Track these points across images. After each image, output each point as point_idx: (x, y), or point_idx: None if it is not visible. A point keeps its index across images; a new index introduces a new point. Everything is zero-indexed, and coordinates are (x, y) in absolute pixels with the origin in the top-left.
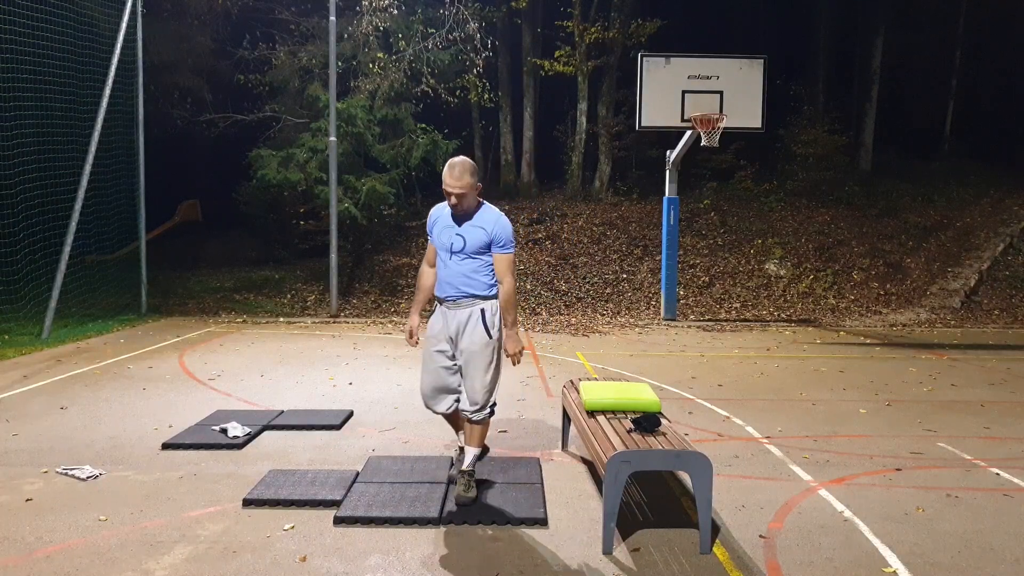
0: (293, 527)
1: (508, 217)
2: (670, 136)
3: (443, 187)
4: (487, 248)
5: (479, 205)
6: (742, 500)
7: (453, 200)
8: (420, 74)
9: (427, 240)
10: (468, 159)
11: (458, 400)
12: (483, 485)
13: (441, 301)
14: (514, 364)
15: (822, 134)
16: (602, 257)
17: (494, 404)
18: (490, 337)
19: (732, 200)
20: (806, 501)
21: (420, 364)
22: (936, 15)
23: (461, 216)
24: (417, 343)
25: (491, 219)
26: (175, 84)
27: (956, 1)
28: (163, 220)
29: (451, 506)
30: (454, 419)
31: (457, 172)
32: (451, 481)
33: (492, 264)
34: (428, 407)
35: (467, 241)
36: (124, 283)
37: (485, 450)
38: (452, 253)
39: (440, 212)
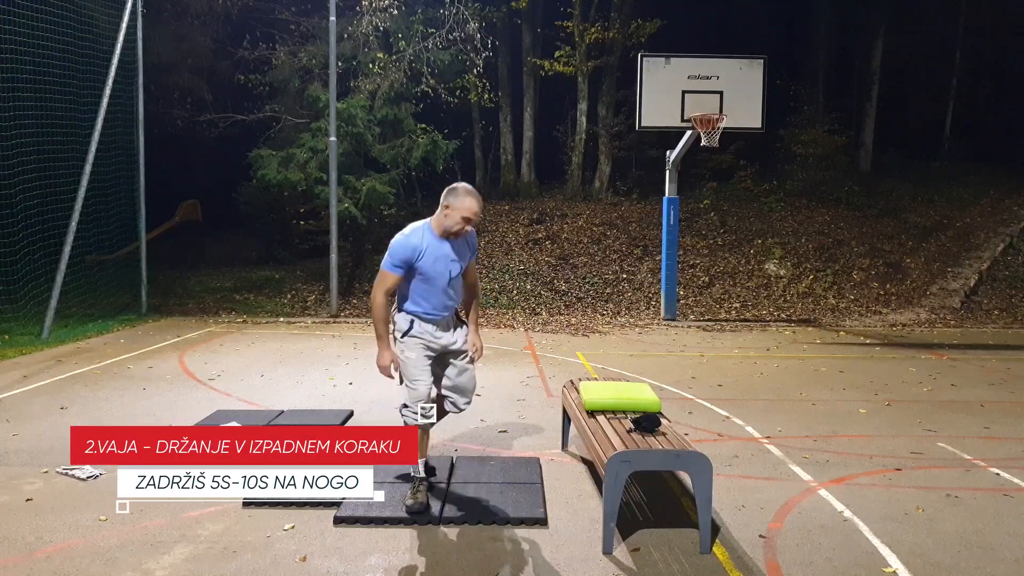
0: (293, 527)
1: (508, 217)
2: (670, 136)
3: (466, 215)
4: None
5: None
6: (742, 500)
7: (469, 228)
8: (420, 74)
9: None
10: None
11: None
12: (483, 485)
13: (432, 320)
14: (476, 360)
15: (822, 134)
16: (602, 257)
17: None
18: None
19: (732, 200)
20: (806, 501)
21: (413, 371)
22: (936, 15)
23: (458, 241)
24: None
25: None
26: (175, 84)
27: (956, 1)
28: (163, 220)
29: (451, 506)
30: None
31: (480, 199)
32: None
33: None
34: (425, 414)
35: (463, 264)
36: (124, 283)
37: None
38: (451, 279)
39: (422, 242)
